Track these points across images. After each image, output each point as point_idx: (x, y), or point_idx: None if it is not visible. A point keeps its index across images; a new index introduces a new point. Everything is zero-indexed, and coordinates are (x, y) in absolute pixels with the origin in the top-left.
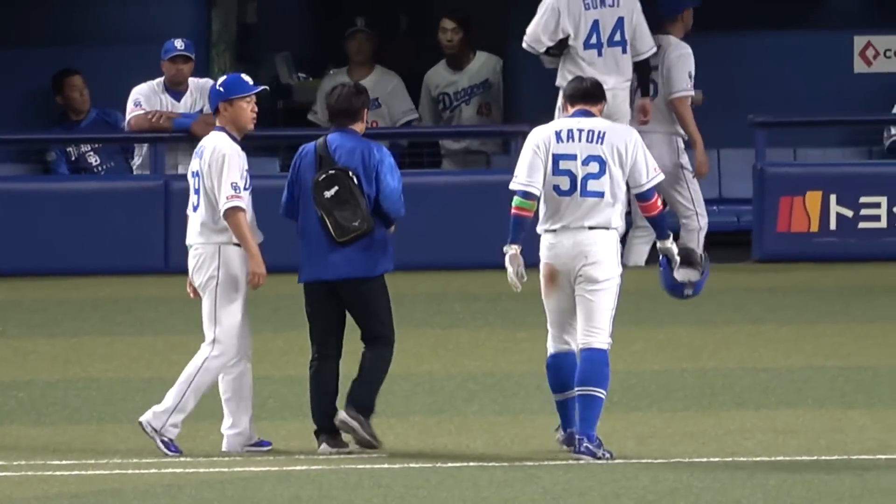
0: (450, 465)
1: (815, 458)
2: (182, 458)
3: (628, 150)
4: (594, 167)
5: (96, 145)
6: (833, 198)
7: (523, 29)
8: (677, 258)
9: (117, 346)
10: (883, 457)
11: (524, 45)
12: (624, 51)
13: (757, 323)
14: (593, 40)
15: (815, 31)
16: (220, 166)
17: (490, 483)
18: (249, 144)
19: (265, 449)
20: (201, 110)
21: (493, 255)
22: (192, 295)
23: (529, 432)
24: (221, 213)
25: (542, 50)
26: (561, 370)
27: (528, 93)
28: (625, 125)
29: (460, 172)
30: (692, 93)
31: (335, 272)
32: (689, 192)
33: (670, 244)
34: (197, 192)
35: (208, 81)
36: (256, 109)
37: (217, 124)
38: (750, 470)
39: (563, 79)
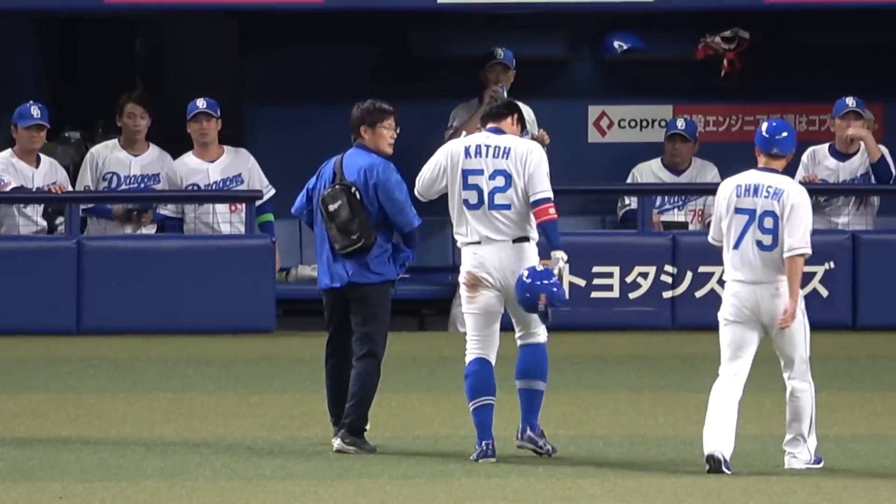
0: None
1: None
2: None
3: (529, 162)
4: (500, 181)
5: None
6: (566, 267)
7: (258, 91)
8: (566, 268)
9: None
10: None
11: None
12: None
13: None
14: None
15: (549, 100)
16: (805, 215)
17: None
18: None
19: (818, 466)
20: None
21: (226, 319)
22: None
23: (261, 498)
24: (794, 255)
25: None
26: (480, 374)
27: (266, 156)
28: (530, 142)
29: (193, 237)
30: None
31: (339, 279)
32: None
33: (561, 254)
34: (770, 231)
35: None
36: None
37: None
38: None
39: None
